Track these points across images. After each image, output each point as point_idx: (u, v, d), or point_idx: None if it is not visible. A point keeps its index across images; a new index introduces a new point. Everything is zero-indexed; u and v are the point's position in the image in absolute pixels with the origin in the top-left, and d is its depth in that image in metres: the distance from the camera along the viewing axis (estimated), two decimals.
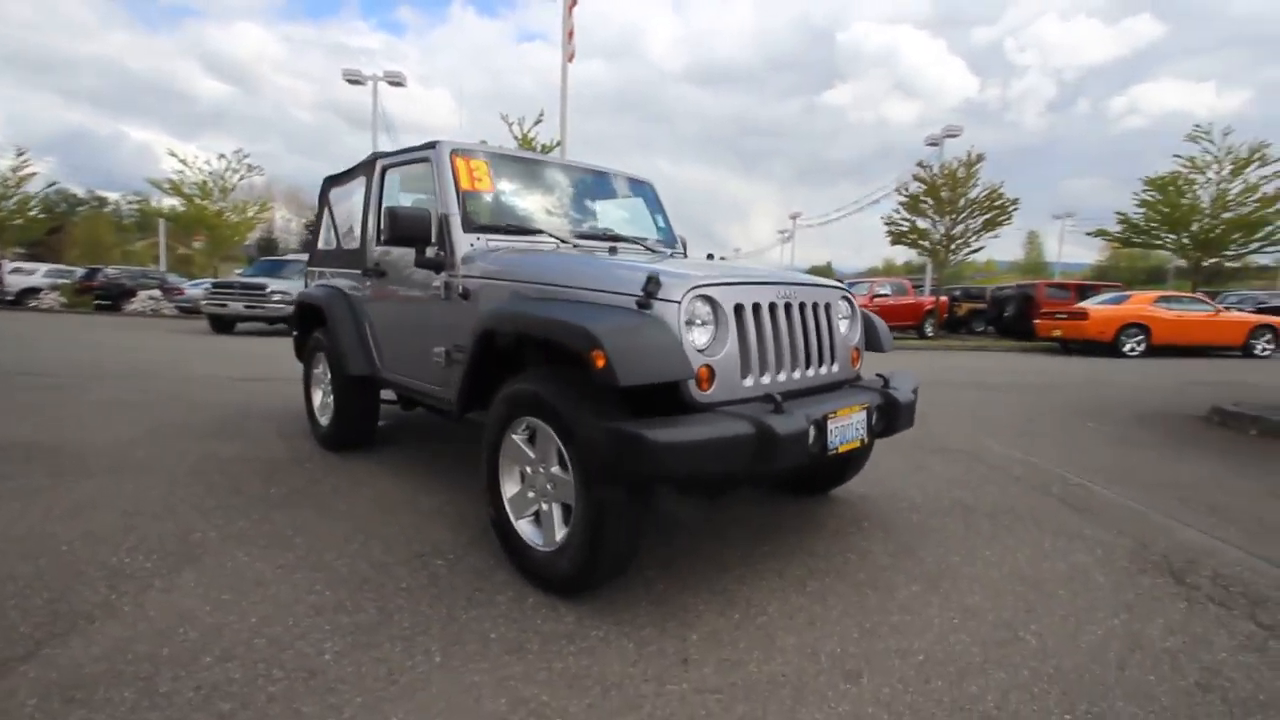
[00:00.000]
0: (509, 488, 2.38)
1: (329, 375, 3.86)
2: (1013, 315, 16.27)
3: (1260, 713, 1.70)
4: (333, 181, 4.19)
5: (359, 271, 3.58)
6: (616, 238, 3.37)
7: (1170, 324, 12.54)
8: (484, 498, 2.45)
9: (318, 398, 4.12)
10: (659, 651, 1.90)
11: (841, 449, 2.27)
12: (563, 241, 3.06)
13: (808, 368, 2.48)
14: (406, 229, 2.80)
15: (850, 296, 2.81)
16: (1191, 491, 3.58)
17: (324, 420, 4.00)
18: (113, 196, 55.57)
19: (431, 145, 3.05)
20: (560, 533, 2.16)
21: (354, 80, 20.56)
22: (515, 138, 15.03)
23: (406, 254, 3.17)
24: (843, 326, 2.72)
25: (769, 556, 2.58)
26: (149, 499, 3.02)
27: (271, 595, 2.18)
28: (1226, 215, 14.39)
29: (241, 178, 20.98)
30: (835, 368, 2.62)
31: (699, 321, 2.12)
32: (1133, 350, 12.45)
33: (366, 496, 3.17)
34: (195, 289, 18.21)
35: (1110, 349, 12.47)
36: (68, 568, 2.32)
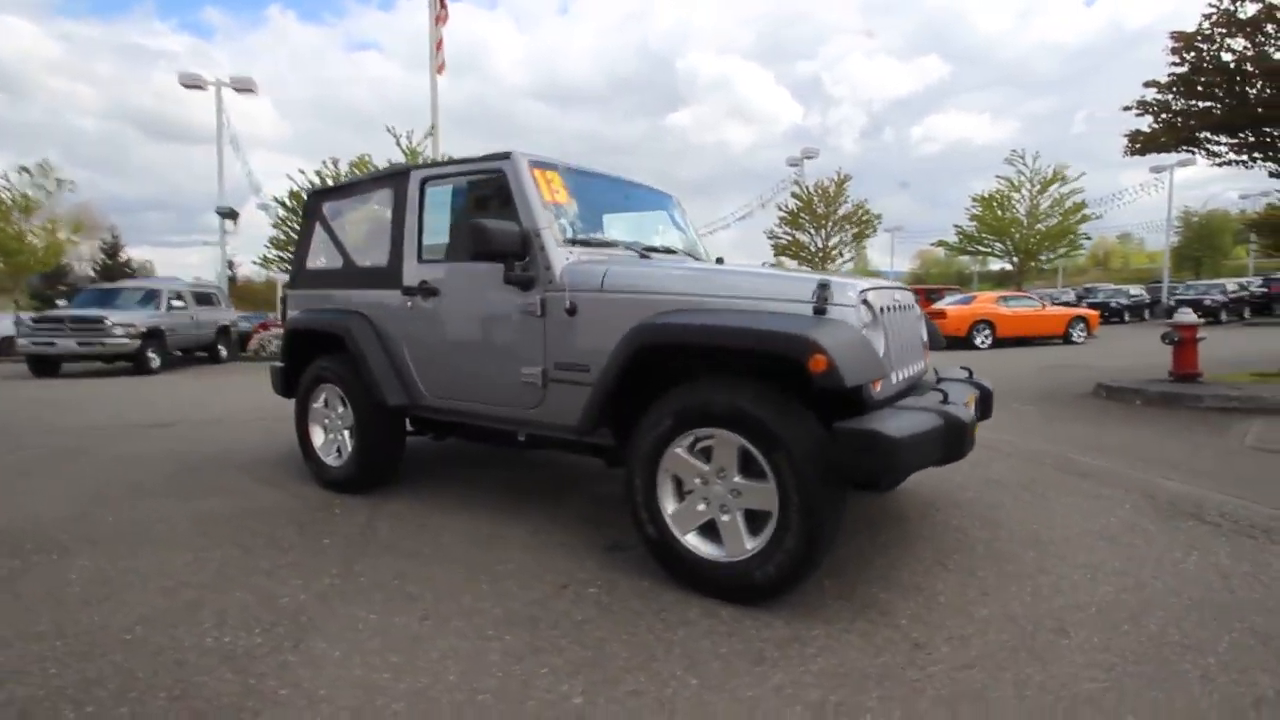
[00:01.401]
0: (667, 504, 2.32)
1: (344, 409, 3.46)
2: None
3: None
4: (325, 196, 3.78)
5: (394, 291, 3.26)
6: (669, 249, 3.39)
7: (1010, 319, 14.72)
8: (638, 517, 2.36)
9: (319, 436, 3.67)
10: (888, 641, 1.97)
11: None
12: (643, 254, 3.04)
13: (912, 364, 2.69)
14: (497, 244, 2.63)
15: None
16: (1141, 453, 4.29)
17: (332, 459, 3.57)
18: None
19: (504, 156, 2.89)
20: (750, 542, 2.16)
21: (193, 85, 18.32)
22: (404, 151, 14.26)
23: (473, 270, 2.97)
24: (921, 326, 2.97)
25: (892, 545, 2.73)
26: (179, 569, 2.53)
27: (448, 649, 1.95)
28: (1039, 226, 17.25)
29: (49, 194, 17.80)
30: (922, 364, 2.86)
31: (867, 324, 2.24)
32: (983, 343, 14.43)
33: (446, 535, 2.90)
34: None
35: (964, 343, 14.34)
36: (159, 659, 1.90)
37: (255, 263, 18.99)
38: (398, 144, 14.25)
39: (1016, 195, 17.90)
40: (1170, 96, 7.34)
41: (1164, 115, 7.50)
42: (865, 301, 2.26)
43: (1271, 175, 7.02)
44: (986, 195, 18.28)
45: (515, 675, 1.81)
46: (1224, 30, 6.87)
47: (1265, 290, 20.35)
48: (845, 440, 1.93)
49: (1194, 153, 7.32)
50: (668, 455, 2.29)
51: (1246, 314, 21.13)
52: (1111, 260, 66.16)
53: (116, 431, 5.61)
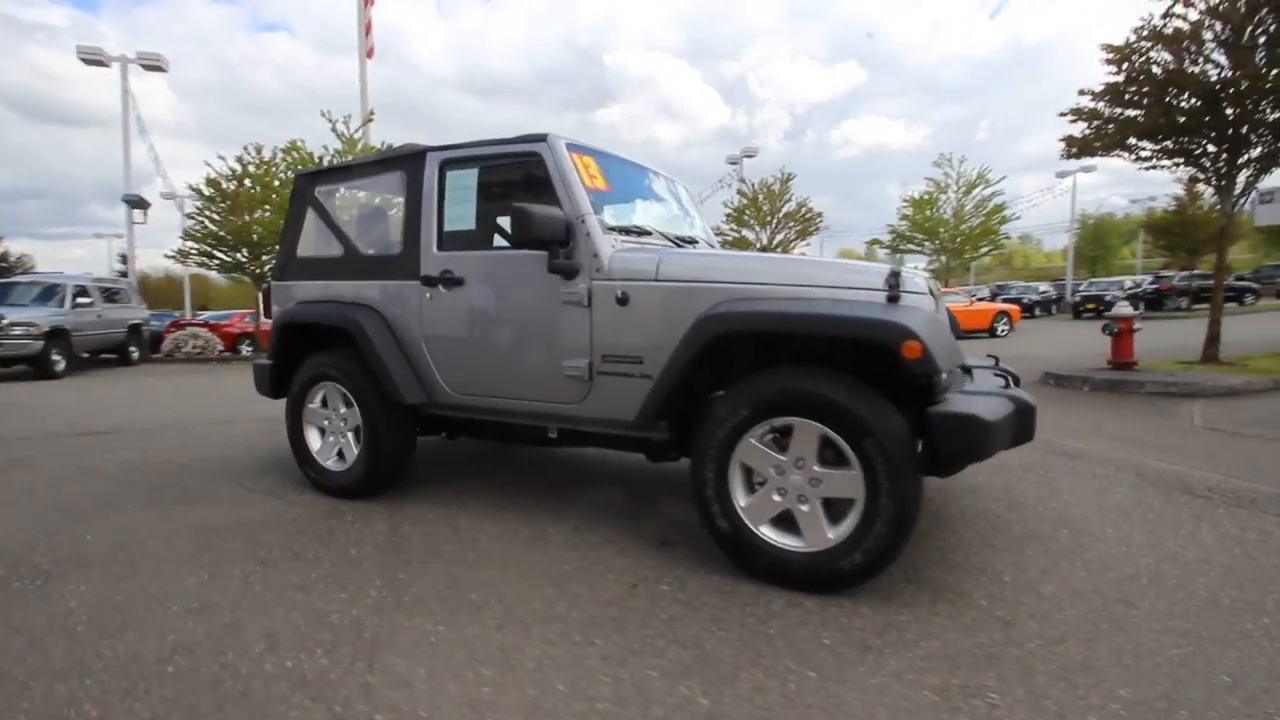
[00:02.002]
0: (739, 496, 2.28)
1: (348, 409, 3.22)
2: None
3: None
4: (319, 179, 3.50)
5: (410, 281, 3.06)
6: (692, 239, 3.35)
7: None
8: (707, 511, 2.30)
9: (315, 439, 3.40)
10: (976, 621, 2.00)
11: None
12: (678, 243, 2.98)
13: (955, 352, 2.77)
14: (543, 230, 2.51)
15: None
16: (1112, 434, 4.61)
17: (333, 464, 3.32)
18: None
19: (540, 138, 2.76)
20: (833, 531, 2.15)
21: (94, 60, 16.66)
22: (340, 137, 13.50)
23: (506, 258, 2.84)
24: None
25: (932, 528, 2.80)
26: (197, 588, 2.28)
27: (542, 658, 1.84)
28: (964, 226, 18.31)
29: None
30: (959, 351, 2.95)
31: (933, 311, 2.28)
32: None
33: (483, 538, 2.74)
34: None
35: None
36: (221, 691, 1.70)
37: (169, 256, 17.47)
38: (333, 130, 13.45)
39: (944, 197, 18.97)
40: (1102, 105, 7.93)
41: (1095, 122, 8.10)
42: (930, 290, 2.30)
43: (1193, 180, 7.70)
44: (917, 197, 19.28)
45: (625, 681, 1.73)
46: (1150, 44, 7.48)
47: (1156, 287, 22.41)
48: (944, 425, 1.95)
49: (1122, 156, 7.93)
50: (741, 446, 2.25)
51: (1140, 308, 23.27)
52: (1014, 260, 71.14)
53: (47, 441, 5.02)
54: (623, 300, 2.57)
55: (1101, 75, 7.79)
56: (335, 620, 2.07)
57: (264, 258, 13.92)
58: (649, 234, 2.95)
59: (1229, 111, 7.05)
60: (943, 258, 19.37)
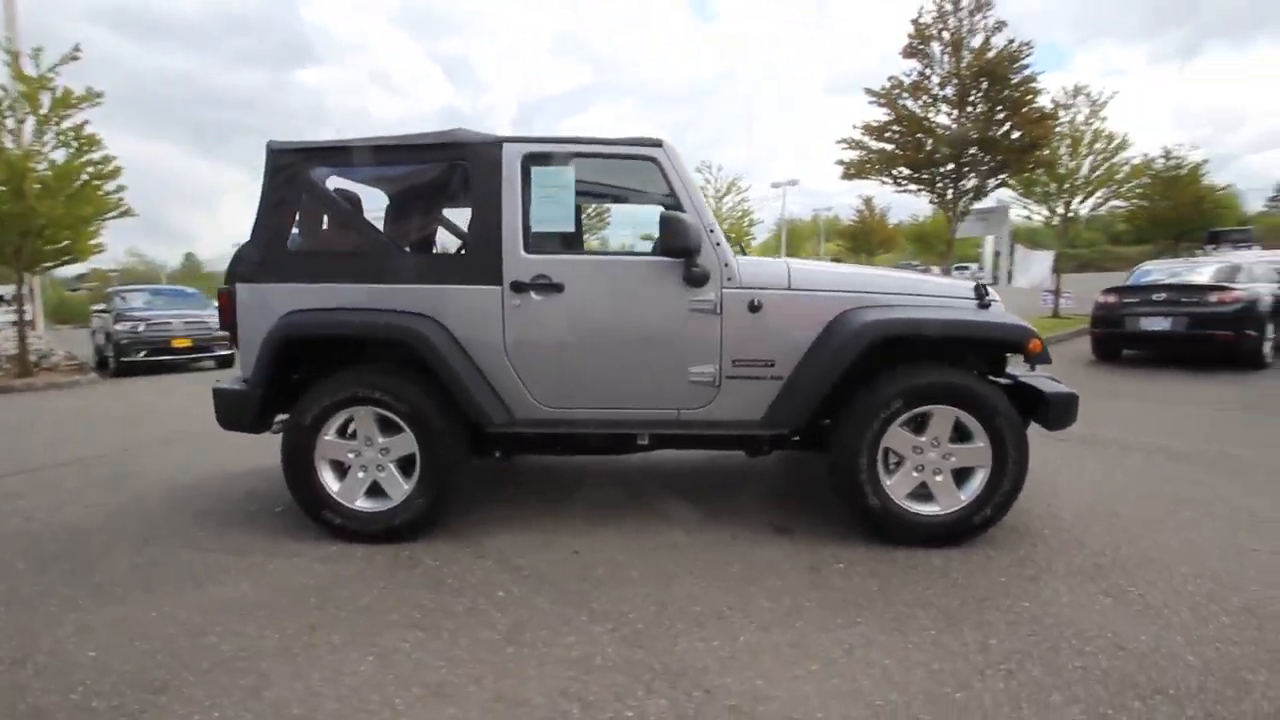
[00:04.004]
0: (884, 477, 2.65)
1: (393, 436, 2.74)
2: None
3: None
4: (320, 157, 2.83)
5: (487, 286, 2.72)
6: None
7: None
8: (860, 491, 2.60)
9: (331, 478, 2.80)
10: (1075, 574, 2.68)
11: None
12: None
13: None
14: (689, 240, 2.57)
15: None
16: None
17: (366, 504, 2.78)
18: None
19: (655, 143, 2.71)
20: (962, 495, 2.65)
21: None
22: (20, 79, 9.95)
23: (623, 264, 2.77)
24: None
25: None
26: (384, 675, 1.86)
27: (829, 646, 1.99)
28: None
29: None
30: None
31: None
32: None
33: (620, 554, 2.63)
34: None
35: None
36: None
37: None
38: (9, 66, 9.80)
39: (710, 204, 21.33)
40: (868, 137, 10.00)
41: (860, 151, 10.18)
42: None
43: (931, 204, 10.16)
44: None
45: (916, 645, 1.99)
46: (898, 93, 9.66)
47: None
48: (1058, 403, 2.58)
49: (884, 182, 10.13)
50: (889, 433, 2.62)
51: None
52: None
53: None
54: (755, 307, 2.71)
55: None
56: (604, 657, 1.91)
57: None
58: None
59: (948, 153, 9.51)
60: None
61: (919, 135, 9.23)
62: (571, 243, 2.89)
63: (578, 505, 3.25)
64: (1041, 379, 2.85)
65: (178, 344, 10.98)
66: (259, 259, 2.83)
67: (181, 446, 4.75)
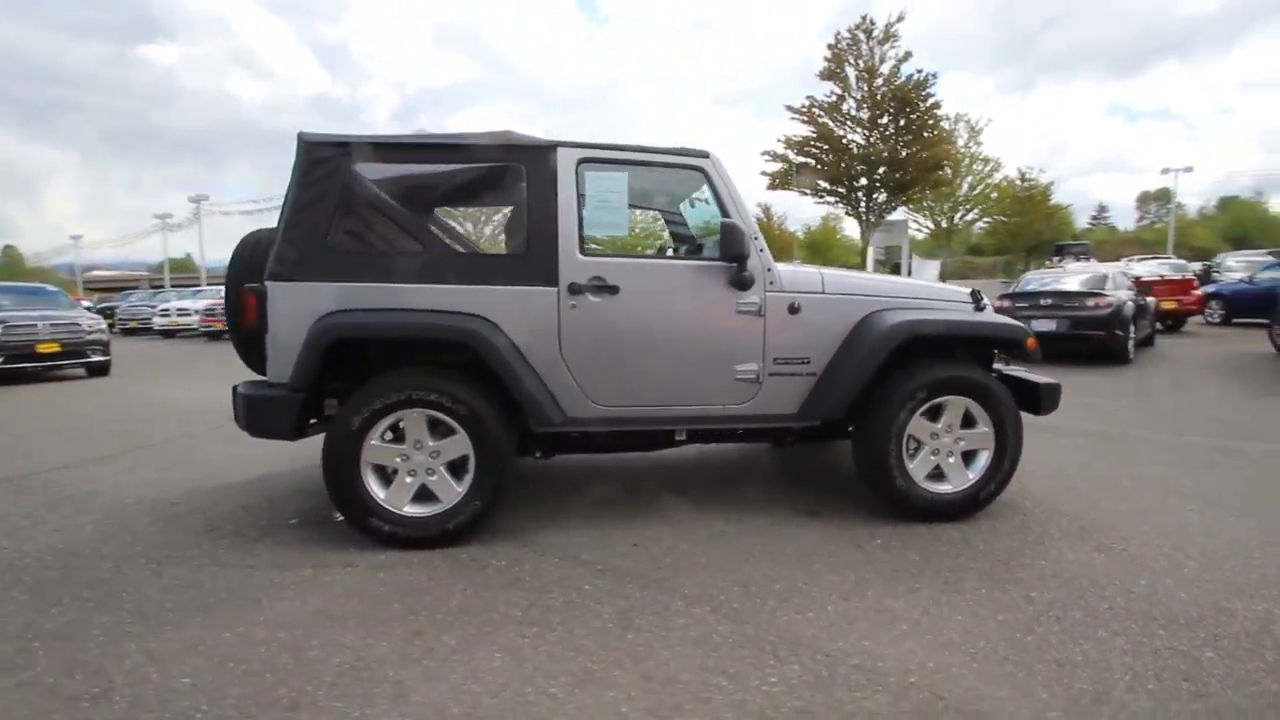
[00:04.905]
0: (907, 460, 2.98)
1: (447, 439, 2.71)
2: None
3: None
4: (362, 153, 2.72)
5: (543, 288, 2.75)
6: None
7: None
8: (888, 475, 2.91)
9: (376, 485, 2.72)
10: (1068, 536, 3.14)
11: None
12: None
13: None
14: (742, 246, 2.77)
15: None
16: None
17: (415, 509, 2.73)
18: None
19: (703, 154, 2.87)
20: (971, 473, 3.03)
21: None
22: None
23: (676, 268, 2.91)
24: None
25: None
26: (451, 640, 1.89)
27: (912, 608, 2.25)
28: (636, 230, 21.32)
29: None
30: None
31: None
32: None
33: (684, 543, 2.76)
34: None
35: None
36: None
37: None
38: None
39: None
40: (791, 151, 10.69)
41: (785, 165, 10.86)
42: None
43: (847, 214, 11.01)
44: None
45: (988, 601, 2.30)
46: (817, 112, 10.42)
47: None
48: (1048, 391, 3.01)
49: (806, 194, 10.85)
50: (913, 421, 2.95)
51: None
52: None
53: None
54: (795, 309, 2.96)
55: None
56: (750, 631, 2.05)
57: None
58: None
59: (860, 169, 10.40)
60: None
61: (836, 153, 10.04)
62: (630, 247, 2.99)
63: (595, 502, 3.33)
64: (1022, 371, 3.31)
65: (44, 349, 9.63)
66: (296, 257, 2.69)
67: (114, 464, 4.28)
